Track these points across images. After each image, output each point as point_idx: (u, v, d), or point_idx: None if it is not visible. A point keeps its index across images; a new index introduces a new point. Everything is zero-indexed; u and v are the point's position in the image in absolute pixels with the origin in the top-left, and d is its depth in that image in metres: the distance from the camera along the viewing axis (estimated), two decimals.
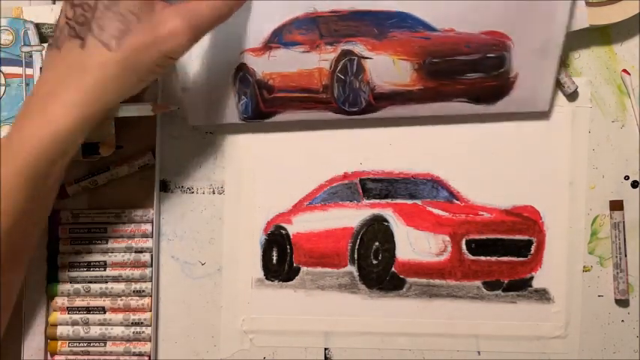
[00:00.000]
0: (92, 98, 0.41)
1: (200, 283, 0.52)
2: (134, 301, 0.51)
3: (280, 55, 0.48)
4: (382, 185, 0.50)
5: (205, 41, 0.48)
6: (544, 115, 0.48)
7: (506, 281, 0.50)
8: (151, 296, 0.51)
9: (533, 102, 0.47)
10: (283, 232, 0.51)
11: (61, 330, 0.51)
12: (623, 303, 0.49)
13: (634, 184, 0.49)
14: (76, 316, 0.51)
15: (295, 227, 0.51)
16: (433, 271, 0.50)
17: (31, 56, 0.50)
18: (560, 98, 0.49)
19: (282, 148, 0.51)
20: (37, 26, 0.50)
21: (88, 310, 0.51)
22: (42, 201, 0.45)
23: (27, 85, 0.50)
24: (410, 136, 0.50)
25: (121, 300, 0.51)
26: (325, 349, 0.51)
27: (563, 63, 0.48)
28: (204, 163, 0.52)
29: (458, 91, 0.47)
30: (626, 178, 0.49)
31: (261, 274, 0.51)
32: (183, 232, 0.52)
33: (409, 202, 0.50)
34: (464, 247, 0.49)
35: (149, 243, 0.51)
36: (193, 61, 0.49)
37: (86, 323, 0.51)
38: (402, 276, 0.50)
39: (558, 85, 0.48)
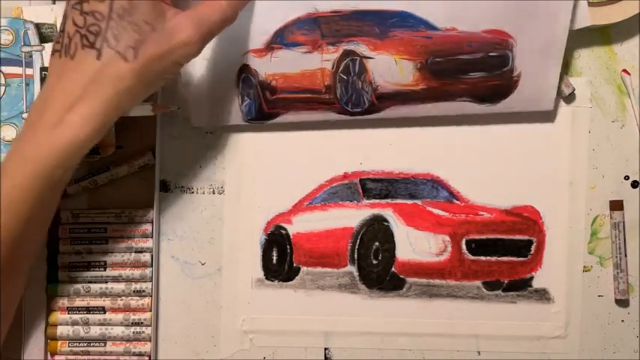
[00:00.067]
0: (109, 108, 0.42)
1: (200, 283, 0.52)
2: (134, 301, 0.51)
3: (283, 56, 0.48)
4: (382, 185, 0.50)
5: (208, 43, 0.48)
6: (547, 114, 0.48)
7: (506, 281, 0.50)
8: (150, 296, 0.51)
9: (537, 101, 0.47)
10: (283, 232, 0.51)
11: (61, 330, 0.51)
12: (623, 303, 0.49)
13: (634, 184, 0.49)
14: (76, 316, 0.51)
15: (295, 227, 0.51)
16: (433, 271, 0.50)
17: (31, 56, 0.50)
18: (560, 98, 0.49)
19: (282, 148, 0.51)
20: (37, 26, 0.50)
21: (88, 310, 0.51)
22: (49, 207, 0.45)
23: (27, 85, 0.50)
24: (410, 136, 0.50)
25: (121, 300, 0.51)
26: (325, 349, 0.51)
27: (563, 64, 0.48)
28: (204, 163, 0.52)
29: (461, 91, 0.47)
30: (626, 178, 0.49)
31: (261, 274, 0.51)
32: (183, 232, 0.52)
33: (409, 202, 0.50)
34: (464, 247, 0.49)
35: (149, 243, 0.51)
36: (196, 64, 0.49)
37: (86, 323, 0.51)
38: (402, 276, 0.50)
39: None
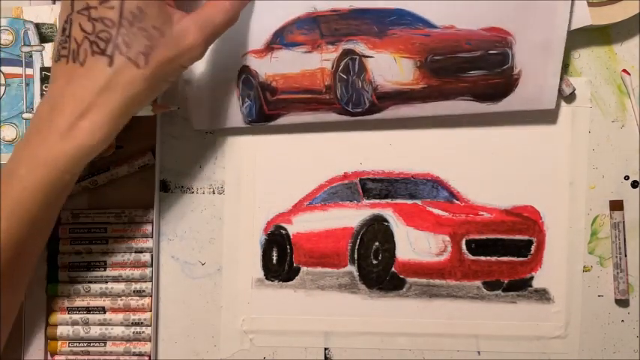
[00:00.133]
0: (119, 114, 0.42)
1: (200, 283, 0.52)
2: (134, 301, 0.51)
3: (282, 56, 0.48)
4: (382, 185, 0.50)
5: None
6: (547, 114, 0.48)
7: (506, 281, 0.50)
8: (151, 296, 0.51)
9: (539, 100, 0.47)
10: (283, 232, 0.51)
11: (61, 330, 0.51)
12: (623, 303, 0.49)
13: (634, 184, 0.49)
14: (76, 316, 0.51)
15: (295, 227, 0.51)
16: (433, 271, 0.50)
17: (31, 56, 0.50)
18: (560, 98, 0.49)
19: (282, 148, 0.51)
20: (37, 26, 0.50)
21: (88, 310, 0.51)
22: (54, 211, 0.45)
23: (27, 85, 0.50)
24: (410, 136, 0.50)
25: (121, 300, 0.51)
26: (325, 349, 0.51)
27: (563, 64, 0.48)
28: (204, 163, 0.52)
29: (462, 89, 0.47)
30: (626, 178, 0.49)
31: (261, 274, 0.51)
32: (183, 232, 0.52)
33: (409, 202, 0.50)
34: (464, 247, 0.49)
35: (149, 243, 0.51)
36: (196, 67, 0.49)
37: (86, 323, 0.51)
38: (402, 276, 0.50)
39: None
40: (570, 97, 0.49)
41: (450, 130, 0.49)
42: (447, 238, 0.49)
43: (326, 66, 0.48)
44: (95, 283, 0.51)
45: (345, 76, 0.48)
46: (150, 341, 0.51)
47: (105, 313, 0.51)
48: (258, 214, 0.51)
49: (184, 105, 0.51)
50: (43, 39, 0.50)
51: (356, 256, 0.50)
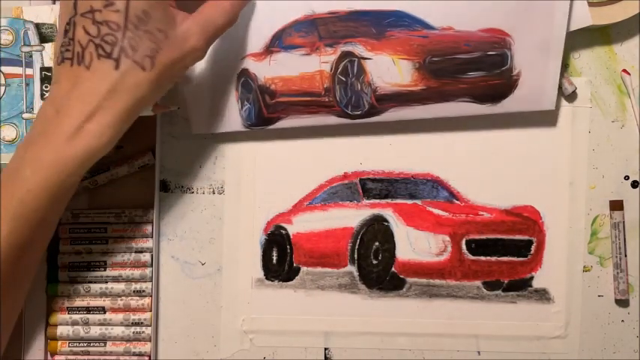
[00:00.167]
0: (126, 117, 0.42)
1: (200, 283, 0.52)
2: (134, 301, 0.51)
3: (281, 59, 0.48)
4: (382, 185, 0.50)
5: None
6: (547, 114, 0.48)
7: (506, 281, 0.50)
8: (151, 296, 0.51)
9: (539, 101, 0.47)
10: (283, 232, 0.51)
11: (61, 330, 0.51)
12: (623, 303, 0.49)
13: (634, 184, 0.49)
14: (76, 316, 0.51)
15: (295, 227, 0.51)
16: (433, 271, 0.50)
17: (31, 56, 0.50)
18: (560, 98, 0.49)
19: (282, 148, 0.51)
20: (37, 26, 0.50)
21: (88, 310, 0.51)
22: (57, 213, 0.45)
23: (27, 85, 0.50)
24: (410, 136, 0.50)
25: (121, 300, 0.51)
26: (325, 349, 0.51)
27: (563, 64, 0.48)
28: (204, 163, 0.52)
29: (461, 91, 0.47)
30: (626, 178, 0.49)
31: (261, 274, 0.51)
32: (183, 232, 0.52)
33: (409, 202, 0.50)
34: (464, 247, 0.49)
35: (149, 243, 0.51)
36: (195, 69, 0.49)
37: (86, 323, 0.51)
38: (402, 276, 0.50)
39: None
40: (571, 97, 0.49)
41: (450, 130, 0.49)
42: (447, 238, 0.49)
43: (325, 68, 0.48)
44: (95, 283, 0.51)
45: (344, 79, 0.48)
46: (150, 341, 0.51)
47: (105, 313, 0.51)
48: (258, 214, 0.51)
49: (184, 105, 0.51)
50: (43, 39, 0.50)
51: (356, 256, 0.50)
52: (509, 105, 0.47)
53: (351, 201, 0.50)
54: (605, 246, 0.49)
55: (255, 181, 0.51)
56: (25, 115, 0.50)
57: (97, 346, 0.51)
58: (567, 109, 0.49)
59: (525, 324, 0.50)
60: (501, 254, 0.49)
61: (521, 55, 0.46)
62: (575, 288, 0.49)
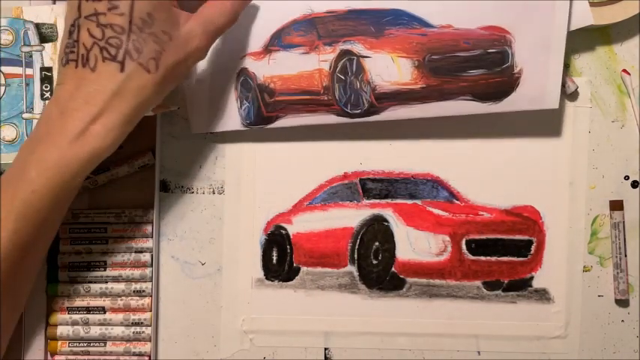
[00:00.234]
0: (131, 118, 0.42)
1: (200, 283, 0.52)
2: (134, 301, 0.51)
3: (280, 58, 0.48)
4: (382, 185, 0.50)
5: None
6: (547, 114, 0.48)
7: (506, 281, 0.50)
8: (151, 296, 0.51)
9: (542, 99, 0.46)
10: (283, 232, 0.51)
11: (61, 330, 0.51)
12: (623, 303, 0.49)
13: (634, 184, 0.49)
14: (76, 316, 0.51)
15: (295, 227, 0.51)
16: (433, 271, 0.50)
17: (31, 56, 0.50)
18: (561, 98, 0.49)
19: (282, 148, 0.51)
20: (37, 26, 0.50)
21: (88, 310, 0.51)
22: (60, 214, 0.45)
23: (27, 85, 0.50)
24: (410, 136, 0.50)
25: (121, 300, 0.51)
26: (325, 349, 0.51)
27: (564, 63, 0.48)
28: (204, 163, 0.52)
29: (461, 89, 0.46)
30: (626, 178, 0.49)
31: (261, 274, 0.51)
32: (183, 232, 0.52)
33: (409, 202, 0.50)
34: (464, 247, 0.49)
35: (149, 243, 0.51)
36: (195, 69, 0.49)
37: (86, 323, 0.51)
38: (402, 276, 0.50)
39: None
40: (573, 95, 0.49)
41: (450, 130, 0.49)
42: (447, 238, 0.49)
43: (324, 67, 0.48)
44: (95, 283, 0.51)
45: (343, 77, 0.48)
46: (150, 341, 0.51)
47: (105, 313, 0.51)
48: (258, 214, 0.51)
49: (184, 105, 0.51)
50: (43, 39, 0.50)
51: (356, 256, 0.50)
52: (511, 103, 0.46)
53: (351, 201, 0.50)
54: (605, 246, 0.49)
55: (255, 181, 0.51)
56: (25, 115, 0.50)
57: (97, 346, 0.51)
58: (568, 109, 0.49)
59: (525, 324, 0.50)
60: (501, 254, 0.49)
61: (522, 52, 0.46)
62: (575, 288, 0.49)
